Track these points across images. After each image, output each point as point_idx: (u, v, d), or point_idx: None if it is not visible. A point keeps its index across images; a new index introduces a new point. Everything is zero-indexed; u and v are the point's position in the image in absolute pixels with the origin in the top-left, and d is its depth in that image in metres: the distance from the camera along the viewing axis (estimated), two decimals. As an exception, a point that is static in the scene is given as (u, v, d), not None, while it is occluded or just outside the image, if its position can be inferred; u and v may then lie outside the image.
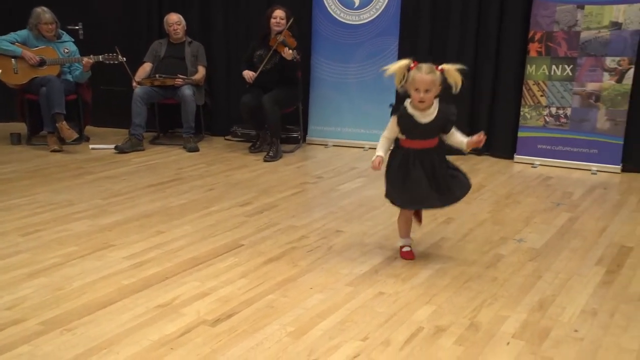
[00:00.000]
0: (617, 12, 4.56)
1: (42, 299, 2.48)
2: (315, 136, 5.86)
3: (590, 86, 4.75)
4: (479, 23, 5.13)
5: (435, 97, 2.68)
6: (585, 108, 4.79)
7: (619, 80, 4.63)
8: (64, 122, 5.34)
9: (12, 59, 5.42)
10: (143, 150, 5.52)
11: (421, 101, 2.63)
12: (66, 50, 5.64)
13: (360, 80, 5.59)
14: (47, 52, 5.51)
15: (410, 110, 2.70)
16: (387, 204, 2.93)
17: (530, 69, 4.93)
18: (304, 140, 5.87)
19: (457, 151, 2.84)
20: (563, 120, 4.88)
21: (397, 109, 2.74)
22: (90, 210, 3.70)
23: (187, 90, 5.54)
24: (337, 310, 2.39)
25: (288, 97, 5.35)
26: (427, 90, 2.61)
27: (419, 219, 2.99)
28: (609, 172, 4.71)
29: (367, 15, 5.52)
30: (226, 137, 6.12)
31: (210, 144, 5.88)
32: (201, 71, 5.81)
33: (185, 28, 5.83)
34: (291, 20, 5.13)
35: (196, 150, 5.52)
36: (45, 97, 5.29)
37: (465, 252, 3.03)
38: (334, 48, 5.66)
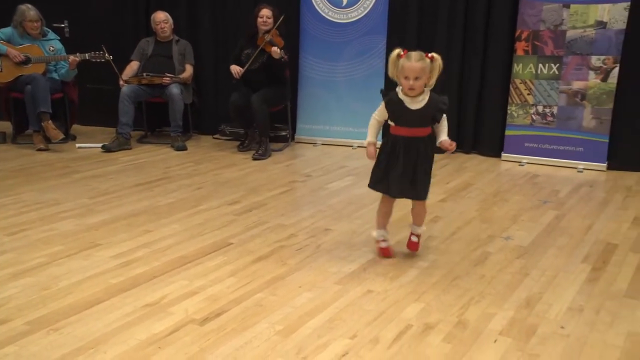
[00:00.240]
0: (602, 12, 4.60)
1: (28, 298, 2.46)
2: (304, 135, 5.86)
3: (576, 85, 4.78)
4: (467, 22, 5.15)
5: (426, 86, 2.68)
6: (571, 106, 4.83)
7: (604, 79, 4.67)
8: (50, 121, 5.30)
9: (-3, 57, 5.37)
10: (130, 149, 5.49)
11: (411, 88, 2.64)
12: (52, 48, 5.59)
13: (349, 79, 5.59)
14: (32, 50, 5.46)
15: (400, 95, 2.71)
16: (376, 202, 2.94)
17: (517, 67, 4.96)
18: (293, 138, 5.87)
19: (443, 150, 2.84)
20: (550, 118, 4.91)
21: (388, 94, 2.76)
22: (76, 209, 3.67)
23: (175, 89, 5.51)
24: (325, 308, 2.39)
25: (276, 96, 5.34)
26: (416, 78, 2.61)
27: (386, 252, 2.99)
28: (594, 170, 4.75)
29: (355, 14, 5.52)
30: (214, 136, 6.11)
31: (198, 143, 5.86)
32: (189, 70, 5.78)
33: (173, 26, 5.80)
34: (281, 19, 5.12)
35: (184, 149, 5.50)
36: (31, 95, 5.24)
37: (453, 250, 3.05)
38: (322, 46, 5.66)
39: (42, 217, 3.51)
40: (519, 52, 4.93)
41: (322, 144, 5.74)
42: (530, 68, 4.91)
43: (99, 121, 6.59)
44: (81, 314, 2.33)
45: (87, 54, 5.44)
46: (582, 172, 4.73)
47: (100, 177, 4.46)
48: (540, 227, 3.41)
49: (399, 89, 2.72)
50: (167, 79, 5.55)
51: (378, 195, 2.90)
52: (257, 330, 2.21)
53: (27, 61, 5.40)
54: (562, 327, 2.25)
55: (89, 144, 5.62)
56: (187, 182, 4.34)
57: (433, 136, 2.76)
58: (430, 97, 2.69)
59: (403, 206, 3.04)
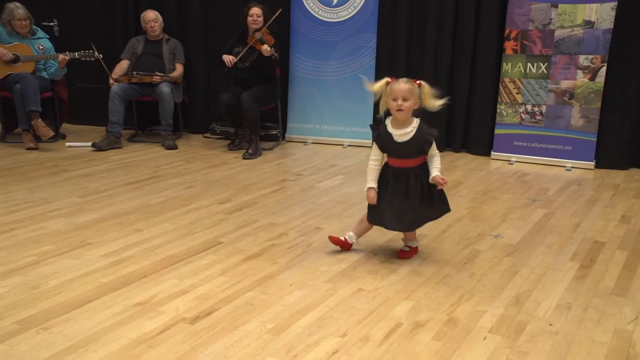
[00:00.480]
0: (590, 11, 4.64)
1: (18, 297, 2.45)
2: (295, 134, 5.86)
3: (565, 84, 4.82)
4: (456, 21, 5.17)
5: (416, 116, 2.72)
6: (559, 105, 4.86)
7: (592, 78, 4.71)
8: (40, 120, 5.27)
9: (-15, 56, 5.34)
10: (121, 147, 5.48)
11: (399, 109, 2.66)
12: (41, 47, 5.56)
13: (339, 78, 5.60)
14: (21, 48, 5.43)
15: (389, 128, 2.74)
16: (366, 201, 2.95)
17: (506, 66, 4.99)
18: (283, 137, 5.87)
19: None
20: (538, 117, 4.94)
21: (377, 128, 2.80)
22: (66, 208, 3.66)
23: (165, 88, 5.50)
24: (316, 306, 2.40)
25: (267, 94, 5.34)
26: (404, 99, 2.65)
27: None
28: (583, 169, 4.79)
29: (345, 13, 5.53)
30: (205, 135, 6.10)
31: (188, 142, 5.85)
32: (179, 68, 5.77)
33: (163, 25, 5.79)
34: (277, 13, 5.11)
35: (174, 147, 5.49)
36: (20, 94, 5.22)
37: (443, 249, 3.06)
38: (313, 45, 5.66)
39: (32, 216, 3.50)
40: (508, 52, 4.96)
41: (313, 143, 5.75)
42: (519, 67, 4.94)
43: (89, 120, 6.57)
44: (71, 313, 2.33)
45: (76, 53, 5.41)
46: (570, 170, 4.77)
47: (90, 176, 4.45)
48: (529, 225, 3.43)
49: (387, 121, 2.76)
50: (158, 77, 5.54)
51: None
52: (247, 328, 2.22)
53: (16, 60, 5.37)
54: (551, 325, 2.27)
55: (79, 142, 5.60)
56: (177, 181, 4.34)
57: (426, 166, 2.76)
58: (418, 128, 2.71)
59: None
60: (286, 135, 5.89)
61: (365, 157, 2.87)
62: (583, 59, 4.72)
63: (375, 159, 2.83)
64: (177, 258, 2.89)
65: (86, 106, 6.46)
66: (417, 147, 2.72)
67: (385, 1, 5.39)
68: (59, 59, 5.42)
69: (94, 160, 4.97)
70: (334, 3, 5.55)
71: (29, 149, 5.30)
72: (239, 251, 2.99)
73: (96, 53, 5.41)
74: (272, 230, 3.31)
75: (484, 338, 2.17)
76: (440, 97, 2.70)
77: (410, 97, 2.66)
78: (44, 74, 5.57)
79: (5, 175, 4.43)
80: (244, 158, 5.10)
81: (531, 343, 2.14)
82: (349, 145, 5.59)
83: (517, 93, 4.99)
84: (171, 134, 5.60)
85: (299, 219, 3.52)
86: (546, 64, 4.85)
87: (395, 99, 2.66)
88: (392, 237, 3.15)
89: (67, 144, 5.56)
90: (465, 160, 5.09)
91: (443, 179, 2.70)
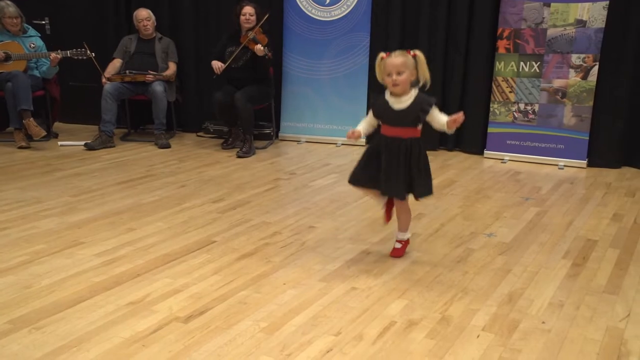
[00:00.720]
0: (582, 10, 4.66)
1: (10, 297, 2.44)
2: (288, 132, 5.86)
3: (557, 83, 4.84)
4: (449, 20, 5.18)
5: (414, 85, 2.68)
6: (552, 104, 4.88)
7: (584, 77, 4.73)
8: (32, 119, 5.25)
9: (-24, 54, 5.31)
10: (113, 146, 5.46)
11: (395, 84, 2.63)
12: (32, 45, 5.53)
13: (333, 77, 5.60)
14: (12, 46, 5.40)
15: (387, 97, 2.72)
16: (360, 200, 2.96)
17: (499, 65, 5.00)
18: (277, 136, 5.87)
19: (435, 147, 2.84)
20: (531, 116, 4.96)
21: (375, 97, 2.77)
22: (59, 207, 3.65)
23: (158, 87, 5.49)
24: (310, 305, 2.40)
25: (260, 93, 5.34)
26: (399, 73, 2.61)
27: (387, 216, 2.99)
28: (575, 167, 4.81)
29: (338, 12, 5.53)
30: (198, 134, 6.09)
31: (181, 141, 5.84)
32: (172, 67, 5.75)
33: (155, 24, 5.77)
34: (265, 17, 5.11)
35: (168, 146, 5.48)
36: (11, 93, 5.19)
37: (437, 247, 3.07)
38: (306, 44, 5.66)
39: (24, 216, 3.48)
40: (501, 50, 4.98)
41: (306, 142, 5.75)
42: (512, 66, 4.96)
43: (82, 119, 6.54)
44: (64, 312, 2.32)
45: (68, 51, 5.39)
46: (563, 169, 4.79)
47: (83, 175, 4.43)
48: (522, 223, 3.44)
49: (387, 92, 2.74)
50: (150, 76, 5.52)
51: (361, 193, 2.91)
52: (241, 327, 2.22)
53: (7, 58, 5.34)
54: (543, 323, 2.28)
55: (71, 141, 5.58)
56: (170, 180, 4.33)
57: (419, 140, 2.73)
58: (416, 97, 2.68)
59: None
60: (279, 134, 5.88)
61: (358, 156, 2.87)
62: (575, 58, 4.74)
63: (367, 120, 2.80)
64: (170, 257, 2.89)
65: (78, 105, 6.44)
66: (414, 115, 2.67)
67: (378, 0, 5.40)
68: (50, 57, 5.39)
69: (86, 160, 4.95)
70: (327, 2, 5.55)
71: (20, 148, 5.27)
72: (232, 250, 2.99)
73: (88, 51, 5.39)
74: (265, 229, 3.30)
75: (477, 336, 2.18)
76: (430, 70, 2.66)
77: (405, 70, 2.62)
78: (36, 73, 5.54)
79: (-4, 174, 4.41)
80: (238, 157, 5.09)
81: (524, 341, 2.15)
82: (342, 144, 5.60)
83: (510, 92, 5.01)
84: (164, 133, 5.59)
85: (292, 217, 3.52)
86: (539, 62, 4.87)
87: (389, 74, 2.63)
88: (386, 236, 3.15)
89: (60, 143, 5.54)
90: (459, 159, 5.10)
91: (458, 116, 2.62)
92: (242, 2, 5.23)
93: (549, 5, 4.76)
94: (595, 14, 4.62)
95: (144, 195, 3.94)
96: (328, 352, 2.06)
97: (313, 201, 3.85)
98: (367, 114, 2.87)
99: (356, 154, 5.04)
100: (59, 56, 5.39)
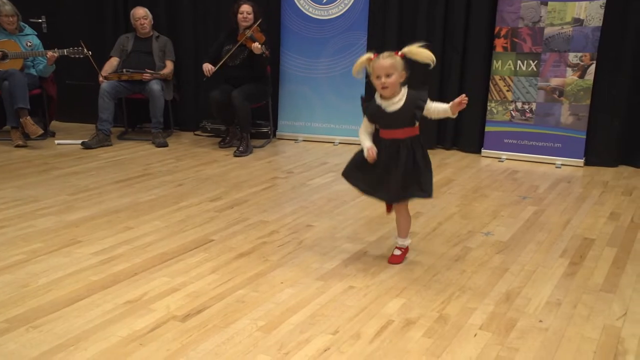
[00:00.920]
0: (579, 9, 4.66)
1: (7, 296, 2.44)
2: (285, 131, 5.86)
3: (554, 81, 4.84)
4: (446, 18, 5.18)
5: (403, 84, 2.66)
6: (549, 103, 4.88)
7: (582, 76, 4.74)
8: (28, 117, 5.24)
9: (-27, 53, 5.29)
10: (111, 145, 5.45)
11: (384, 87, 2.61)
12: (29, 44, 5.52)
13: (330, 75, 5.60)
14: (8, 45, 5.39)
15: (378, 100, 2.69)
16: (357, 198, 2.96)
17: (496, 64, 5.01)
18: (274, 135, 5.86)
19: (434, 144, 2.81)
20: (528, 115, 4.97)
21: (367, 100, 2.74)
22: (56, 206, 3.64)
23: (156, 85, 5.48)
24: (307, 304, 2.40)
25: (257, 92, 5.33)
26: (387, 75, 2.59)
27: (389, 208, 2.96)
28: (572, 166, 4.82)
29: (335, 10, 5.52)
30: (195, 132, 6.08)
31: (179, 139, 5.83)
32: (169, 66, 5.74)
33: (152, 22, 5.76)
34: (258, 22, 5.11)
35: (165, 145, 5.47)
36: (8, 91, 5.18)
37: (434, 246, 3.07)
38: (303, 43, 5.65)
39: (21, 214, 3.47)
40: (498, 49, 4.98)
41: (304, 141, 5.74)
42: (509, 65, 4.96)
43: (79, 117, 6.53)
44: (61, 311, 2.31)
45: (65, 50, 5.38)
46: (560, 167, 4.80)
47: (80, 174, 4.42)
48: (520, 222, 3.45)
49: (377, 95, 2.70)
50: (148, 75, 5.51)
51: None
52: (239, 326, 2.22)
53: (3, 57, 5.33)
54: (541, 321, 2.29)
55: (68, 140, 5.57)
56: (168, 179, 4.32)
57: (419, 137, 2.71)
58: (407, 95, 2.65)
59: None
60: (277, 133, 5.88)
61: (354, 152, 2.86)
62: (572, 57, 4.74)
63: (364, 131, 2.75)
64: (167, 256, 2.88)
65: (75, 104, 6.43)
66: (409, 114, 2.64)
67: (375, -2, 5.40)
68: (47, 55, 5.38)
69: (83, 158, 4.95)
70: (324, 0, 5.55)
71: (17, 146, 5.26)
72: (230, 249, 2.99)
73: (85, 50, 5.38)
74: (263, 228, 3.30)
75: (475, 335, 2.18)
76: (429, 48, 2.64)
77: (394, 72, 2.59)
78: (33, 71, 5.53)
79: (-7, 173, 4.40)
80: (235, 156, 5.09)
81: (521, 340, 2.15)
82: (340, 143, 5.59)
83: (507, 91, 5.01)
84: (161, 132, 5.58)
85: (290, 216, 3.52)
86: (536, 61, 4.87)
87: (378, 77, 2.61)
88: (383, 235, 3.16)
89: (57, 141, 5.53)
90: (456, 158, 5.11)
91: (461, 97, 2.59)
92: (240, 1, 5.22)
93: (546, 4, 4.76)
94: (593, 13, 4.62)
95: (141, 194, 3.94)
96: (325, 350, 2.06)
97: (310, 200, 3.85)
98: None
99: (354, 152, 5.04)
100: (55, 55, 5.37)
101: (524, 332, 2.20)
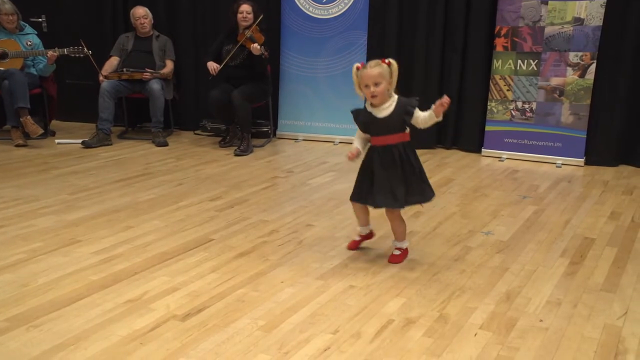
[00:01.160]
0: (580, 8, 4.66)
1: (7, 295, 2.44)
2: (286, 130, 5.86)
3: (555, 81, 4.84)
4: (447, 18, 5.18)
5: (392, 91, 2.69)
6: (549, 102, 4.88)
7: (582, 75, 4.73)
8: (29, 117, 5.24)
9: (-27, 52, 5.29)
10: (111, 144, 5.45)
11: (373, 96, 2.64)
12: (29, 43, 5.52)
13: (330, 75, 5.60)
14: (8, 44, 5.39)
15: (369, 108, 2.73)
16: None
17: (496, 63, 5.00)
18: (274, 134, 5.86)
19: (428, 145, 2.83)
20: (529, 114, 4.96)
21: (356, 111, 2.78)
22: (56, 205, 3.64)
23: (156, 85, 5.48)
24: (307, 303, 2.40)
25: (257, 92, 5.33)
26: (376, 84, 2.62)
27: (354, 244, 3.01)
28: (572, 166, 4.81)
29: (335, 10, 5.52)
30: (195, 132, 6.08)
31: (179, 139, 5.83)
32: (169, 65, 5.74)
33: (152, 22, 5.76)
34: (259, 19, 5.11)
35: (165, 144, 5.47)
36: (8, 91, 5.18)
37: (434, 245, 3.07)
38: (304, 42, 5.65)
39: (21, 214, 3.47)
40: (499, 49, 4.98)
41: (304, 140, 5.74)
42: (510, 64, 4.96)
43: (79, 117, 6.53)
44: (61, 310, 2.31)
45: (65, 49, 5.38)
46: (560, 167, 4.79)
47: (80, 173, 4.42)
48: (520, 222, 3.45)
49: (367, 103, 2.74)
50: (148, 74, 5.51)
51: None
52: (239, 325, 2.22)
53: (4, 56, 5.33)
54: (541, 321, 2.29)
55: (68, 139, 5.57)
56: (168, 178, 4.32)
57: (410, 143, 2.74)
58: (397, 102, 2.68)
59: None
60: (277, 132, 5.88)
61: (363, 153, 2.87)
62: (573, 56, 4.74)
63: (359, 134, 2.81)
64: (167, 255, 2.88)
65: (75, 103, 6.44)
66: (399, 119, 2.68)
67: (375, -3, 5.40)
68: (47, 55, 5.38)
69: (83, 158, 4.95)
70: (324, 0, 5.54)
71: (17, 146, 5.26)
72: (230, 248, 2.99)
73: (85, 49, 5.38)
74: (263, 228, 3.30)
75: (475, 334, 2.18)
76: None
77: (382, 80, 2.62)
78: (33, 70, 5.53)
79: (-7, 172, 4.40)
80: (235, 155, 5.09)
81: (522, 339, 2.15)
82: (340, 142, 5.59)
83: (508, 90, 5.01)
84: (162, 131, 5.58)
85: (290, 216, 3.51)
86: (536, 61, 4.87)
87: (367, 86, 2.64)
88: (383, 234, 3.15)
89: (57, 141, 5.53)
90: (456, 157, 5.11)
91: (444, 101, 2.59)
92: (240, 1, 5.22)
93: (546, 3, 4.76)
94: (593, 12, 4.62)
95: (141, 193, 3.94)
96: (326, 350, 2.06)
97: (310, 199, 3.85)
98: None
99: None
100: (55, 54, 5.37)
101: (524, 332, 2.20)
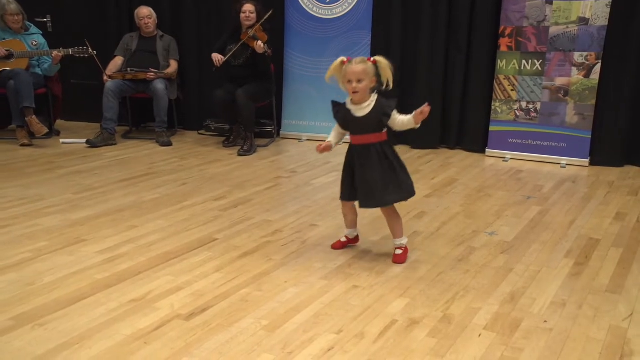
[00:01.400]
0: (585, 8, 4.65)
1: (13, 294, 2.44)
2: (289, 130, 5.86)
3: (559, 81, 4.83)
4: (451, 17, 5.17)
5: (373, 91, 2.71)
6: (554, 102, 4.87)
7: (587, 75, 4.72)
8: (34, 117, 5.25)
9: (-21, 52, 5.31)
10: (115, 144, 5.46)
11: (355, 92, 2.66)
12: (34, 43, 5.54)
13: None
14: (14, 44, 5.40)
15: (348, 105, 2.76)
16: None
17: (501, 63, 5.00)
18: (278, 134, 5.87)
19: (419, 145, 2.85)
20: (533, 114, 4.95)
21: (337, 104, 2.82)
22: (61, 205, 3.65)
23: (160, 85, 5.49)
24: (311, 303, 2.40)
25: (261, 91, 5.34)
26: (359, 80, 2.64)
27: (339, 244, 3.03)
28: (577, 166, 4.80)
29: (339, 10, 5.52)
30: (199, 132, 6.09)
31: (183, 139, 5.84)
32: (173, 65, 5.75)
33: (157, 22, 5.77)
34: (267, 15, 5.11)
35: (169, 144, 5.48)
36: (14, 90, 5.19)
37: (438, 246, 3.07)
38: (307, 42, 5.65)
39: (26, 213, 3.48)
40: (503, 48, 4.97)
41: (307, 140, 5.74)
42: (514, 64, 4.95)
43: (83, 117, 6.55)
44: (66, 309, 2.32)
45: (70, 49, 5.39)
46: (565, 167, 4.78)
47: (84, 173, 4.43)
48: (524, 222, 3.44)
49: (348, 99, 2.76)
50: (152, 74, 5.52)
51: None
52: (242, 325, 2.22)
53: (9, 56, 5.34)
54: (546, 322, 2.28)
55: (73, 139, 5.58)
56: (172, 178, 4.33)
57: (388, 142, 2.76)
58: (376, 102, 2.70)
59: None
60: (281, 132, 5.88)
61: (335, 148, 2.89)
62: (578, 56, 4.73)
63: (336, 129, 2.87)
64: (172, 255, 2.89)
65: (80, 103, 6.45)
66: (376, 120, 2.70)
67: (379, -2, 5.40)
68: (52, 55, 5.40)
69: (88, 157, 4.96)
70: (328, 0, 5.54)
71: (23, 145, 5.28)
72: (234, 248, 2.99)
73: (90, 49, 5.39)
74: (267, 227, 3.30)
75: (479, 335, 2.18)
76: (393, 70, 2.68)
77: (365, 77, 2.64)
78: (38, 70, 5.55)
79: (-2, 171, 4.42)
80: (239, 155, 5.09)
81: (526, 340, 2.14)
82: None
83: (512, 90, 5.00)
84: (166, 131, 5.59)
85: (293, 216, 3.52)
86: (541, 61, 4.86)
87: (350, 81, 2.66)
88: (387, 234, 3.15)
89: (62, 140, 5.54)
90: (460, 157, 5.10)
91: (424, 106, 2.61)
92: (243, 0, 5.23)
93: (551, 3, 4.75)
94: (599, 12, 4.60)
95: (145, 193, 3.94)
96: (329, 350, 2.06)
97: (314, 199, 3.85)
98: None
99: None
100: (60, 54, 5.39)
101: (529, 333, 2.20)
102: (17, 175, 4.31)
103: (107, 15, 6.30)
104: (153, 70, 5.56)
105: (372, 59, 2.68)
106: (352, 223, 2.99)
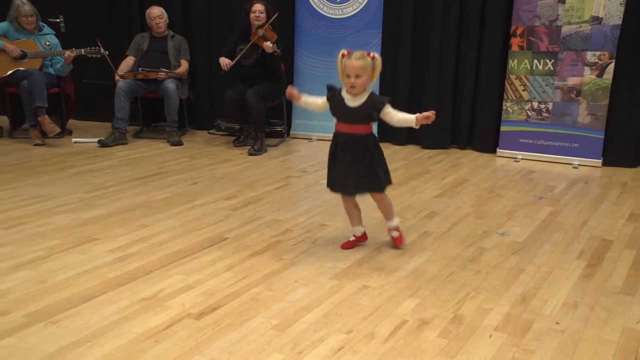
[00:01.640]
0: (598, 7, 4.61)
1: (26, 291, 2.47)
2: (299, 130, 5.86)
3: (572, 81, 4.79)
4: (462, 17, 5.15)
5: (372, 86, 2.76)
6: (566, 102, 4.84)
7: (600, 75, 4.68)
8: (46, 116, 5.29)
9: (-7, 52, 5.36)
10: (126, 144, 5.49)
11: (352, 86, 2.71)
12: (47, 43, 5.58)
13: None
14: (28, 44, 5.44)
15: (343, 93, 2.79)
16: (370, 199, 2.96)
17: (512, 63, 4.97)
18: (288, 134, 5.87)
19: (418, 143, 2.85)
20: (545, 114, 4.92)
21: (333, 89, 2.84)
22: (73, 203, 3.67)
23: (171, 84, 5.51)
24: (321, 303, 2.40)
25: (272, 91, 5.34)
26: (357, 76, 2.68)
27: (349, 244, 3.04)
28: (590, 166, 4.77)
29: (350, 9, 5.52)
30: (210, 131, 6.10)
31: (193, 138, 5.86)
32: (184, 65, 5.77)
33: (168, 22, 5.79)
34: (274, 16, 5.12)
35: (180, 144, 5.50)
36: (27, 90, 5.23)
37: (449, 246, 3.06)
38: (318, 42, 5.65)
39: (39, 211, 3.51)
40: (514, 48, 4.94)
41: (317, 140, 5.74)
42: (526, 64, 4.92)
43: (95, 116, 6.59)
44: (78, 307, 2.34)
45: (82, 49, 5.43)
46: (577, 168, 4.75)
47: (96, 172, 4.46)
48: (536, 223, 3.42)
49: (343, 88, 2.80)
50: (163, 74, 5.54)
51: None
52: (253, 324, 2.22)
53: (23, 56, 5.38)
54: (557, 323, 2.27)
55: (85, 138, 5.62)
56: (182, 177, 4.34)
57: (373, 135, 2.82)
58: (369, 96, 2.75)
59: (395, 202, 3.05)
60: (291, 132, 5.89)
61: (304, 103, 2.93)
62: (590, 56, 4.69)
63: (316, 98, 2.91)
64: (182, 254, 2.90)
65: (92, 102, 6.49)
66: (367, 113, 2.75)
67: (390, -3, 5.39)
68: (65, 55, 5.43)
69: (99, 156, 4.99)
70: (338, 0, 5.54)
71: (36, 145, 5.32)
72: (244, 247, 3.00)
73: (102, 49, 5.42)
74: (277, 227, 3.31)
75: (490, 336, 2.17)
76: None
77: (363, 73, 2.68)
78: (51, 70, 5.59)
79: (12, 170, 4.45)
80: (249, 154, 5.10)
81: (538, 341, 2.13)
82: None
83: (523, 90, 4.97)
84: (176, 130, 5.61)
85: (303, 215, 3.52)
86: (553, 60, 4.83)
87: (348, 76, 2.69)
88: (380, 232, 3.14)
89: (74, 140, 5.58)
90: (471, 158, 5.08)
91: (430, 112, 2.66)
92: (252, 0, 5.23)
93: (563, 2, 4.71)
94: (612, 11, 4.57)
95: (156, 192, 3.96)
96: (339, 350, 2.06)
97: (324, 199, 3.85)
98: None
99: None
100: (73, 54, 5.43)
101: (540, 334, 2.18)
102: (30, 174, 4.35)
103: (119, 15, 6.34)
104: (164, 70, 5.58)
105: (371, 54, 2.71)
106: (356, 220, 3.00)
